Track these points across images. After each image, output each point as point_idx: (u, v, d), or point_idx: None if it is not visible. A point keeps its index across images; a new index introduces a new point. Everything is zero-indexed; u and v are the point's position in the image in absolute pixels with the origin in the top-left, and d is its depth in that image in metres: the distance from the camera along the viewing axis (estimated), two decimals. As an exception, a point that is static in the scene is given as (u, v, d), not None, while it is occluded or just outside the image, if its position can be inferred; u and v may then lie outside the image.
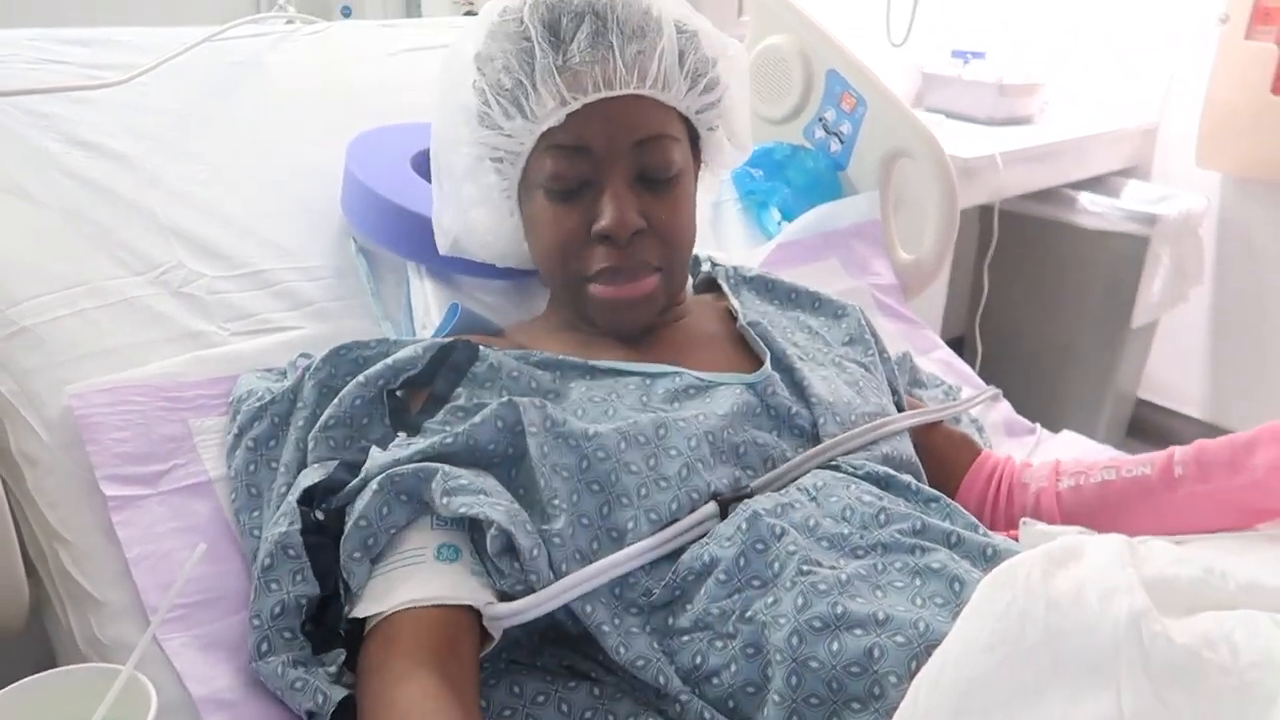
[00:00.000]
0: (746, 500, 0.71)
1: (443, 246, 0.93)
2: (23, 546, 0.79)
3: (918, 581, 0.65)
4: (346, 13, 1.67)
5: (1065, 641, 0.53)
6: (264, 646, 0.66)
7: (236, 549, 0.78)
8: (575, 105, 0.79)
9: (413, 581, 0.66)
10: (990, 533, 0.72)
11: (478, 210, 0.88)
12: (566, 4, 0.80)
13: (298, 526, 0.68)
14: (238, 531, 0.78)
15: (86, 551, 0.76)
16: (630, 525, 0.69)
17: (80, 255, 0.91)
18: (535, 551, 0.65)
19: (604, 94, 0.79)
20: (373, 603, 0.66)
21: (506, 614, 0.65)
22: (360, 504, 0.67)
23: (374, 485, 0.68)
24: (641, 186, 0.81)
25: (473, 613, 0.66)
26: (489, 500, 0.66)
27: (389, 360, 0.79)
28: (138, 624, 0.72)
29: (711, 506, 0.71)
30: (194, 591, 0.73)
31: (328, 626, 0.68)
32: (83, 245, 0.91)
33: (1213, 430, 2.53)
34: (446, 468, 0.68)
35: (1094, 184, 2.38)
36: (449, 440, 0.71)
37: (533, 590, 0.65)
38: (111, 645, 0.72)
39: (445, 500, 0.66)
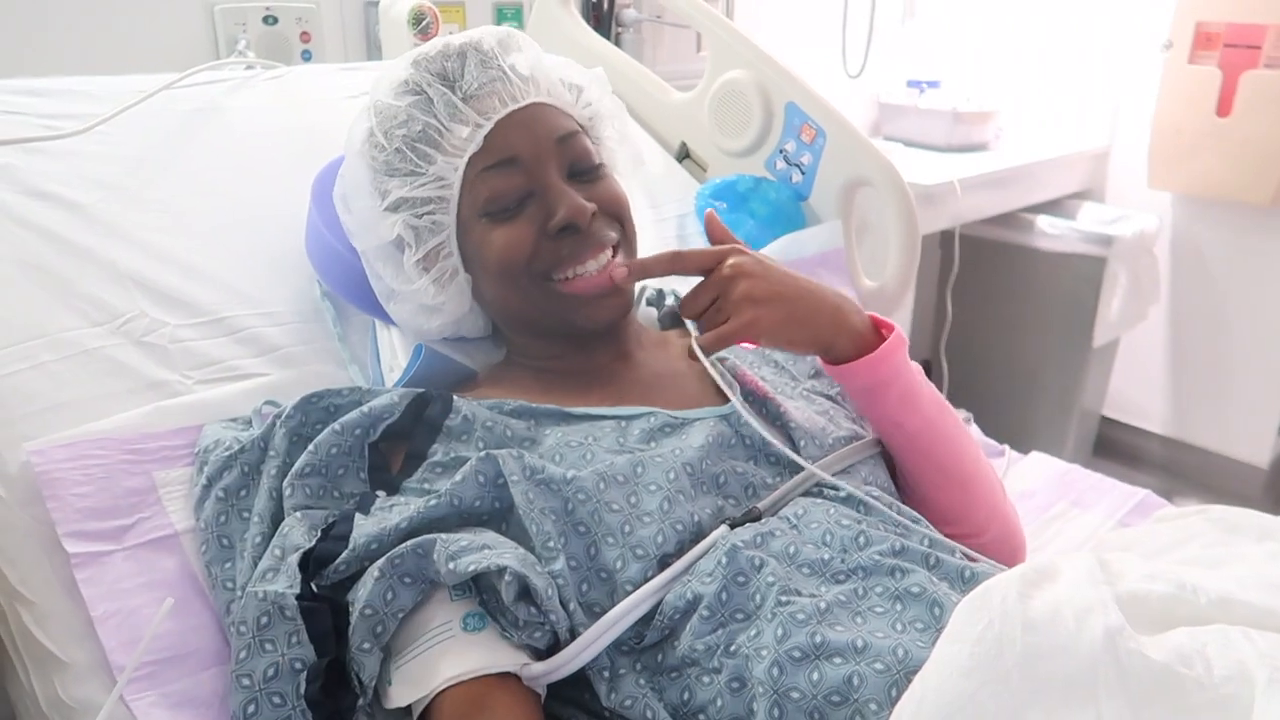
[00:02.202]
0: (738, 529, 0.72)
1: (418, 329, 0.92)
2: (-19, 608, 0.77)
3: (898, 606, 0.65)
4: (307, 57, 1.67)
5: (1043, 662, 0.53)
6: (251, 708, 0.64)
7: (205, 603, 0.76)
8: (489, 125, 0.81)
9: (449, 658, 0.65)
10: (964, 557, 0.73)
11: (423, 280, 0.86)
12: (445, 51, 0.84)
13: (296, 590, 0.67)
14: (207, 584, 0.77)
15: (49, 611, 0.74)
16: (618, 565, 0.69)
17: (38, 307, 0.89)
18: (550, 591, 0.65)
19: (511, 107, 0.82)
20: (413, 687, 0.64)
21: (543, 672, 0.64)
22: (364, 593, 0.66)
23: (375, 572, 0.66)
24: (574, 180, 0.83)
25: (511, 676, 0.65)
26: (495, 552, 0.66)
27: (365, 409, 0.78)
28: (104, 684, 0.71)
29: (723, 530, 0.71)
30: (162, 648, 0.71)
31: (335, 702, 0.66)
32: (40, 297, 0.90)
33: (1177, 445, 2.57)
34: (443, 536, 0.67)
35: (1050, 207, 2.43)
36: (433, 503, 0.70)
37: (554, 631, 0.65)
38: (77, 707, 0.70)
39: (451, 565, 0.64)
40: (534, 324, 0.87)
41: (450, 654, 0.65)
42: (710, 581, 0.67)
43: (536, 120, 0.82)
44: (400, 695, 0.65)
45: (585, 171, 0.84)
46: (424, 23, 1.58)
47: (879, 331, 0.85)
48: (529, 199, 0.81)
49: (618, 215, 0.85)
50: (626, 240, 0.86)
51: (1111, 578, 0.59)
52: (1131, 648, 0.53)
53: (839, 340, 0.82)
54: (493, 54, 0.83)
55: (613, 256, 0.83)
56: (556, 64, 0.88)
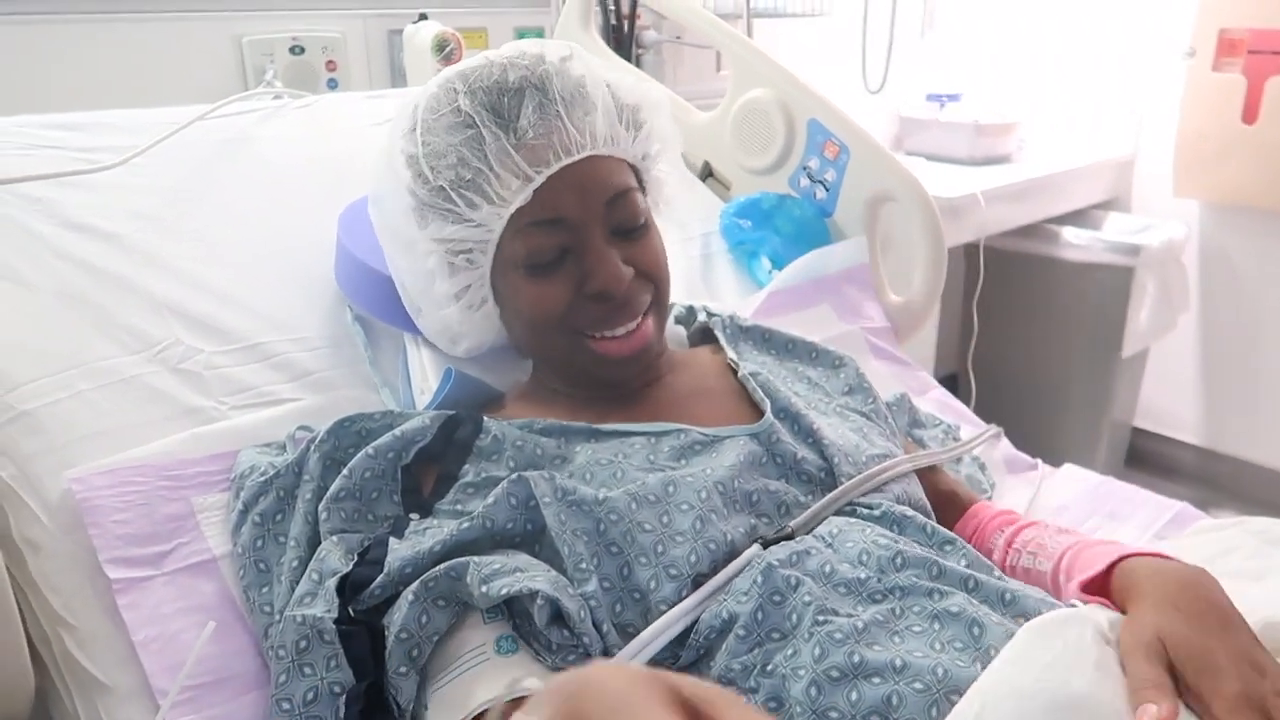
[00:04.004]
0: (772, 547, 0.71)
1: (444, 346, 0.94)
2: (26, 633, 0.78)
3: (936, 626, 0.64)
4: (333, 85, 1.70)
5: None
6: None
7: (244, 627, 0.77)
8: (540, 179, 0.79)
9: (484, 681, 0.65)
10: (1005, 577, 0.72)
11: (452, 308, 0.86)
12: (502, 84, 0.80)
13: (334, 614, 0.67)
14: (246, 609, 0.78)
15: (91, 635, 0.75)
16: (652, 585, 0.69)
17: (76, 336, 0.91)
18: (583, 613, 0.66)
19: (565, 162, 0.79)
20: (449, 712, 0.65)
21: None
22: (399, 616, 0.66)
23: (409, 596, 0.67)
24: (616, 238, 0.82)
25: None
26: (527, 575, 0.66)
27: (397, 432, 0.79)
28: (147, 708, 0.71)
29: (756, 549, 0.71)
30: (203, 672, 0.72)
31: None
32: (78, 327, 0.91)
33: (1210, 455, 2.54)
34: (476, 558, 0.68)
35: (1076, 218, 2.42)
36: (466, 526, 0.71)
37: (588, 654, 0.66)
38: (121, 731, 0.71)
39: (484, 589, 0.65)
40: (560, 368, 0.89)
41: (484, 678, 0.65)
42: (746, 601, 0.67)
43: (589, 179, 0.80)
44: (437, 719, 0.65)
45: (630, 231, 0.83)
46: (448, 49, 1.60)
47: None
48: (568, 255, 0.81)
49: (653, 276, 0.85)
50: (658, 301, 0.86)
51: None
52: None
53: None
54: (554, 95, 0.79)
55: (643, 319, 0.84)
56: (617, 82, 0.85)
